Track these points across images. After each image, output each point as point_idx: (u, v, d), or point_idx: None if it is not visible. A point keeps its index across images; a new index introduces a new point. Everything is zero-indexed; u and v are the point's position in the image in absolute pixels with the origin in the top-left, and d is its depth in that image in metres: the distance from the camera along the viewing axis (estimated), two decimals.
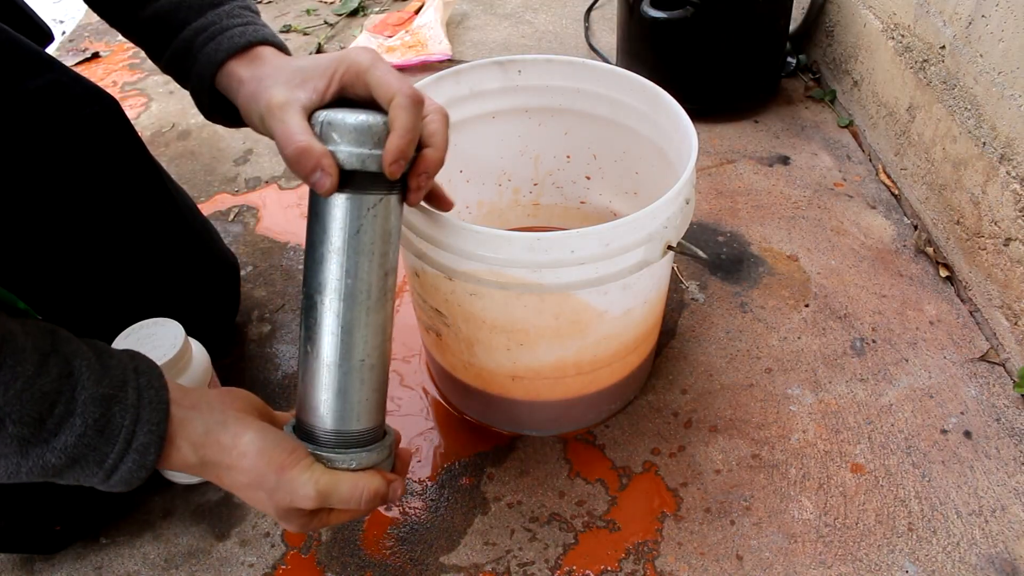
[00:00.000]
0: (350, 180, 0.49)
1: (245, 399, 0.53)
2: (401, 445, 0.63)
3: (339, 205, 0.49)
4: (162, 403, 0.45)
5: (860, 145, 1.16)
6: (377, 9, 1.56)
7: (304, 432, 0.53)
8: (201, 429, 0.47)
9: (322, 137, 0.48)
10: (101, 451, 0.43)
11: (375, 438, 0.54)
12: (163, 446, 0.45)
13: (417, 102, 0.48)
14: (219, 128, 1.24)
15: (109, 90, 0.74)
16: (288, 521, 0.51)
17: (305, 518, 0.51)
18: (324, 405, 0.52)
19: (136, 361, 0.47)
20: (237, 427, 0.48)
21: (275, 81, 0.51)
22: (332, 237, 0.50)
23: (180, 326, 0.68)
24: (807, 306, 0.92)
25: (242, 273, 0.96)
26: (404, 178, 0.51)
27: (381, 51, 1.39)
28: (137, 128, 0.74)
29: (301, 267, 0.97)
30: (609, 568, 0.69)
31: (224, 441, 0.47)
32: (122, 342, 0.67)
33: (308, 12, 1.56)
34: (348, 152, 0.48)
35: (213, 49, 0.54)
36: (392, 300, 0.54)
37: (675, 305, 0.92)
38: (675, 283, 0.95)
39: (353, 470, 0.52)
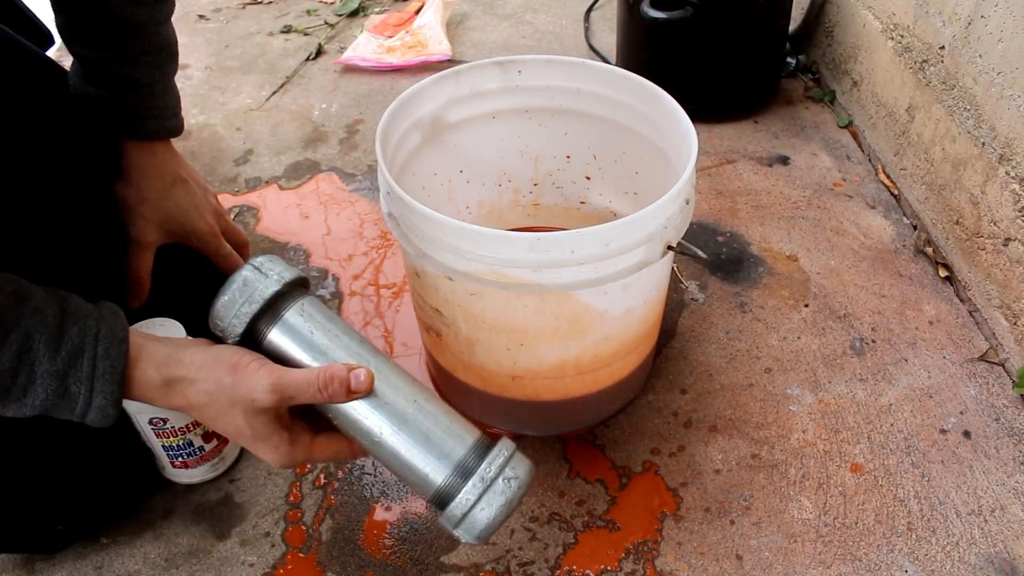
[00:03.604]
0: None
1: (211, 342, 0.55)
2: None
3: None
4: (116, 372, 0.49)
5: (860, 145, 1.16)
6: (377, 9, 1.56)
7: (444, 498, 0.53)
8: (164, 352, 0.51)
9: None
10: (67, 408, 0.49)
11: (486, 445, 0.55)
12: (121, 397, 0.49)
13: None
14: (219, 128, 1.24)
15: None
16: (264, 443, 0.52)
17: (277, 435, 0.52)
18: (425, 461, 0.53)
19: (100, 323, 0.49)
20: (194, 347, 0.52)
21: None
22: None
23: (180, 326, 0.68)
24: (807, 306, 0.92)
25: None
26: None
27: (381, 51, 1.39)
28: None
29: (301, 266, 0.97)
30: (609, 568, 0.69)
31: (183, 358, 0.51)
32: None
33: (308, 12, 1.56)
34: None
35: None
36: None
37: (675, 305, 0.92)
38: (675, 283, 0.95)
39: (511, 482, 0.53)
